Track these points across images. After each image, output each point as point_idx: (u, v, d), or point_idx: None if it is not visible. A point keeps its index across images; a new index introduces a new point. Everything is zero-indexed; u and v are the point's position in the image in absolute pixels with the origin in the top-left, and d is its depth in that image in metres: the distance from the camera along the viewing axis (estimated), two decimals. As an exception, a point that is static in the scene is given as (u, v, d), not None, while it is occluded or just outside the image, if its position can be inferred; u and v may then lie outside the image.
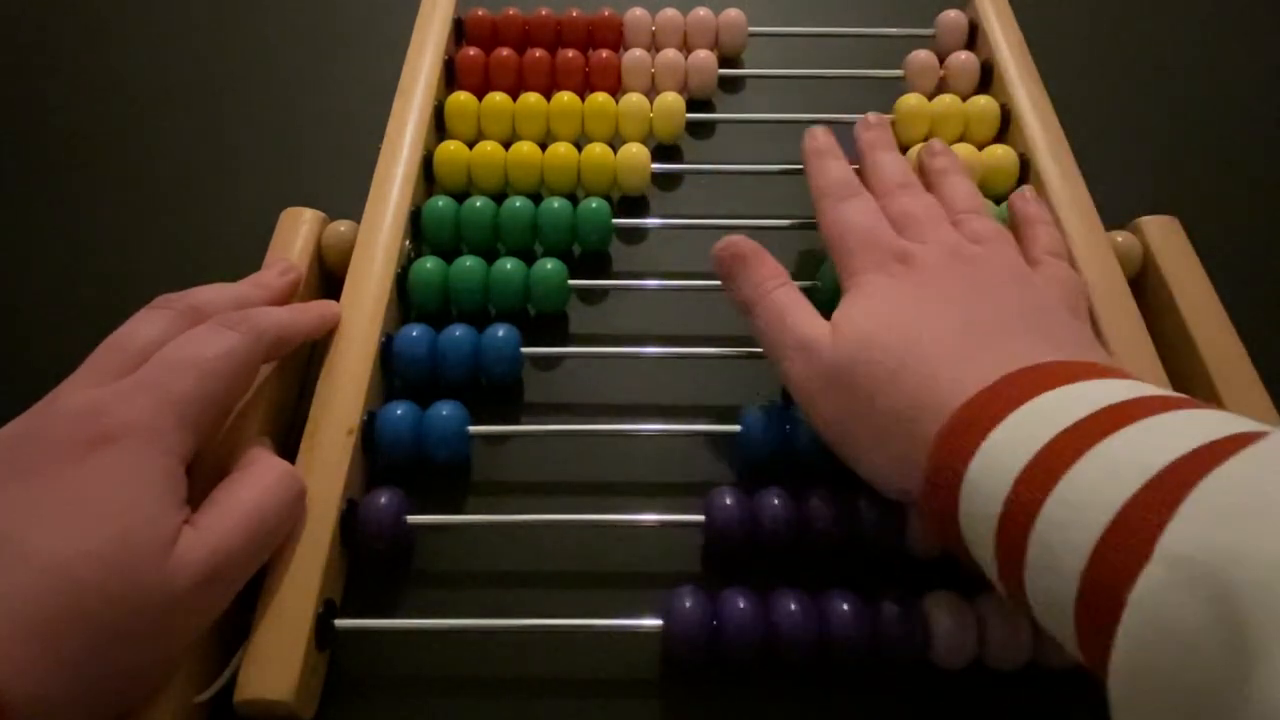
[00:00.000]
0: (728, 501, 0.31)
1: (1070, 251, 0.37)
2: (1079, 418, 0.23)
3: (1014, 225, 0.36)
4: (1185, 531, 0.19)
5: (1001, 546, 0.23)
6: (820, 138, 0.38)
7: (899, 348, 0.28)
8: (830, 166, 0.36)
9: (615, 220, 0.41)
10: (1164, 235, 0.39)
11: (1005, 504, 0.23)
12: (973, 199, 0.36)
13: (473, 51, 0.47)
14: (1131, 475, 0.21)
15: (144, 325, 0.30)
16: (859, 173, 0.37)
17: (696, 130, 0.48)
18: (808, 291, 0.39)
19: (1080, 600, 0.21)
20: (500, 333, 0.36)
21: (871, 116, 0.40)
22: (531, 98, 0.45)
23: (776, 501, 0.31)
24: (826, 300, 0.38)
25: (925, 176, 0.38)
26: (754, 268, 0.33)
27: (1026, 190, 0.38)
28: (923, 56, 0.48)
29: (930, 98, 0.46)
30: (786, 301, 0.32)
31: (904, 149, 0.43)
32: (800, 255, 0.42)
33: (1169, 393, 0.24)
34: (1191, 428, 0.22)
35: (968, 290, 0.30)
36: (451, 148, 0.42)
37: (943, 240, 0.32)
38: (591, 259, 0.42)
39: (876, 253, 0.32)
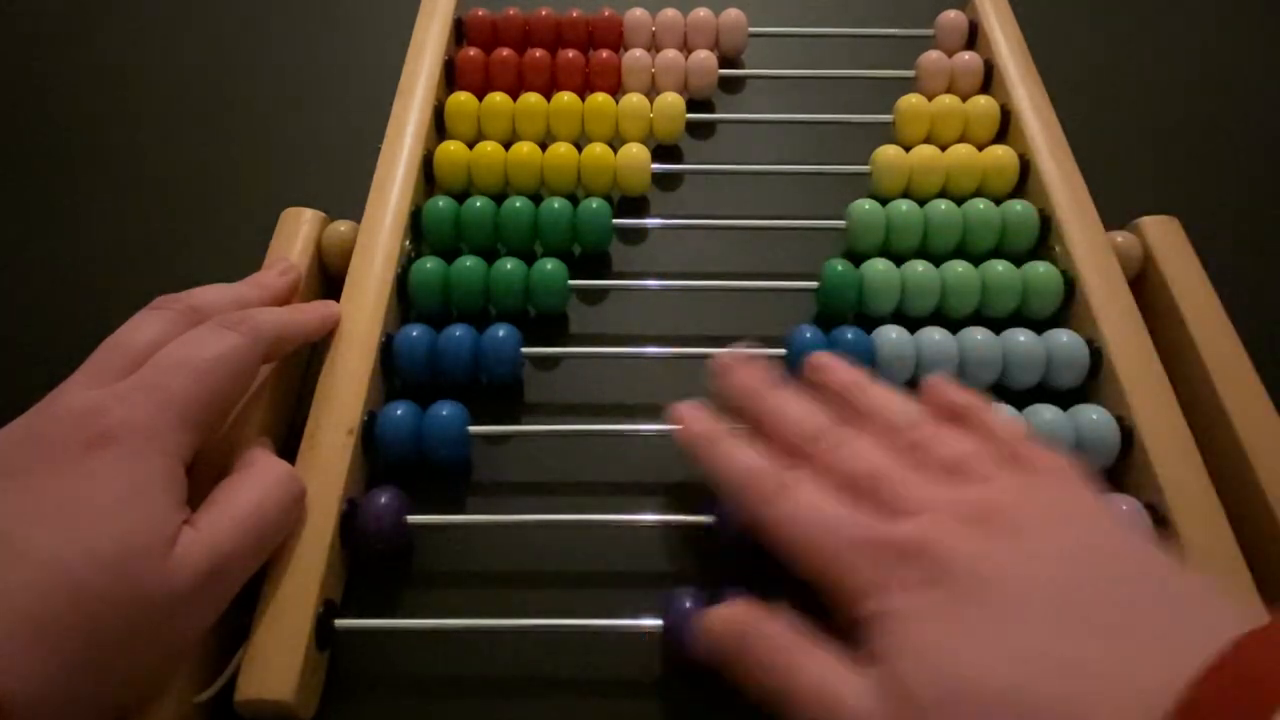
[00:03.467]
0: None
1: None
2: None
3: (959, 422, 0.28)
4: None
5: None
6: (689, 417, 0.30)
7: (1007, 701, 0.20)
8: (731, 453, 0.28)
9: (615, 220, 0.41)
10: (1164, 235, 0.39)
11: None
12: (913, 416, 0.28)
13: (473, 52, 0.47)
14: None
15: (144, 326, 0.30)
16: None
17: (696, 130, 0.48)
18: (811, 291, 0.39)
19: None
20: (500, 333, 0.36)
21: (725, 356, 0.31)
22: (531, 98, 0.45)
23: None
24: (830, 299, 0.38)
25: (839, 409, 0.29)
26: (759, 641, 0.25)
27: (939, 381, 0.30)
28: (934, 57, 0.48)
29: (931, 98, 0.46)
30: (812, 674, 0.24)
31: (906, 149, 0.43)
32: (800, 256, 0.42)
33: None
34: None
35: (1025, 580, 0.22)
36: (451, 148, 0.42)
37: (945, 510, 0.24)
38: (591, 259, 0.42)
39: (876, 564, 0.24)
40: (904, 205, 0.41)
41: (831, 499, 0.26)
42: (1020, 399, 0.35)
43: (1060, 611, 0.22)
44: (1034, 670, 0.21)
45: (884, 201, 0.41)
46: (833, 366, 0.30)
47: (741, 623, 0.26)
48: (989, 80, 0.47)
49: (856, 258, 0.40)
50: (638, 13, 0.49)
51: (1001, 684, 0.21)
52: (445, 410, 0.34)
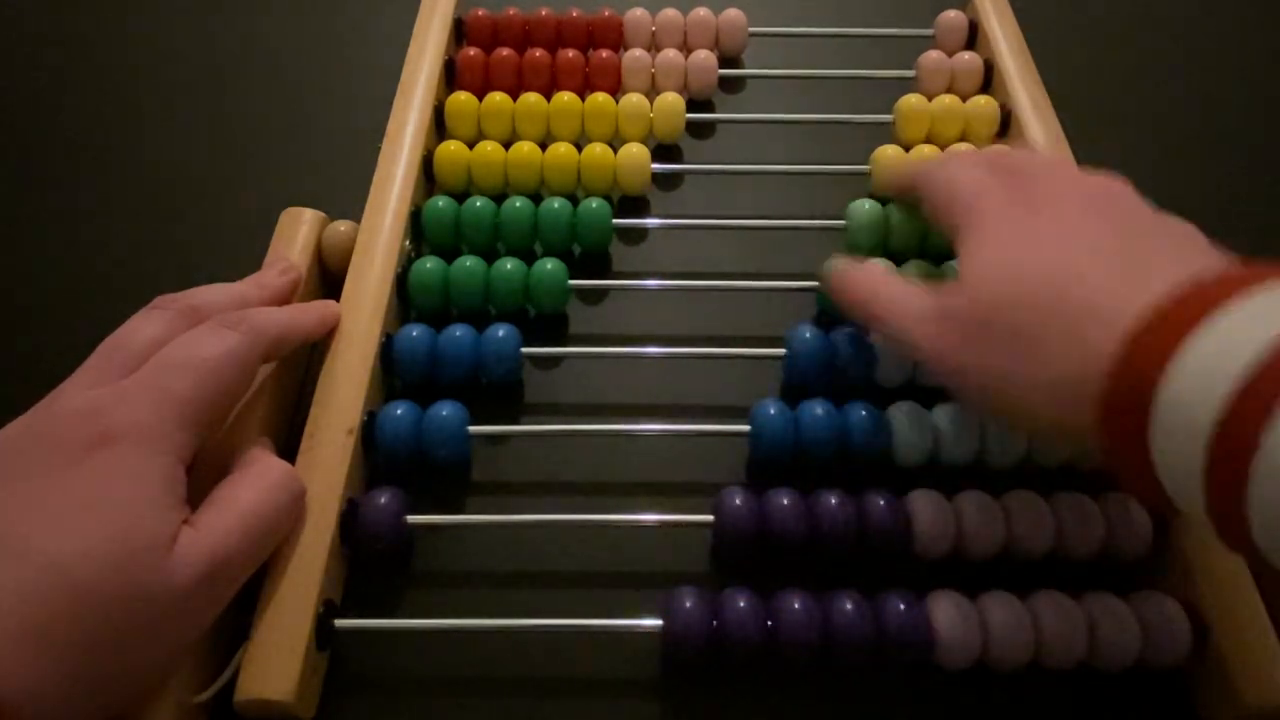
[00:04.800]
0: (738, 502, 0.31)
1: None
2: None
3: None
4: None
5: (1217, 461, 0.21)
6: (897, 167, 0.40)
7: (1045, 275, 0.27)
8: (921, 162, 0.37)
9: (615, 220, 0.41)
10: (1164, 235, 0.39)
11: (1221, 414, 0.21)
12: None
13: (473, 51, 0.47)
14: None
15: (144, 325, 0.30)
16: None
17: (696, 130, 0.48)
18: (811, 290, 0.39)
19: None
20: (500, 333, 0.36)
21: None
22: (531, 98, 0.45)
23: (786, 502, 0.31)
24: (828, 299, 0.38)
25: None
26: (853, 284, 0.34)
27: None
28: (934, 57, 0.48)
29: (931, 98, 0.46)
30: (895, 289, 0.32)
31: (906, 149, 0.43)
32: (800, 256, 0.42)
33: None
34: None
35: (1088, 209, 0.30)
36: (451, 148, 0.42)
37: (1053, 174, 0.32)
38: (591, 259, 0.42)
39: (990, 197, 0.31)
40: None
41: (979, 167, 0.34)
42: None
43: (1097, 232, 0.28)
44: (1070, 259, 0.27)
45: (883, 201, 0.41)
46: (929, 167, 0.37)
47: (849, 271, 0.35)
48: (989, 80, 0.47)
49: (856, 257, 0.40)
50: (638, 13, 0.49)
51: (1029, 270, 0.28)
52: (445, 410, 0.34)
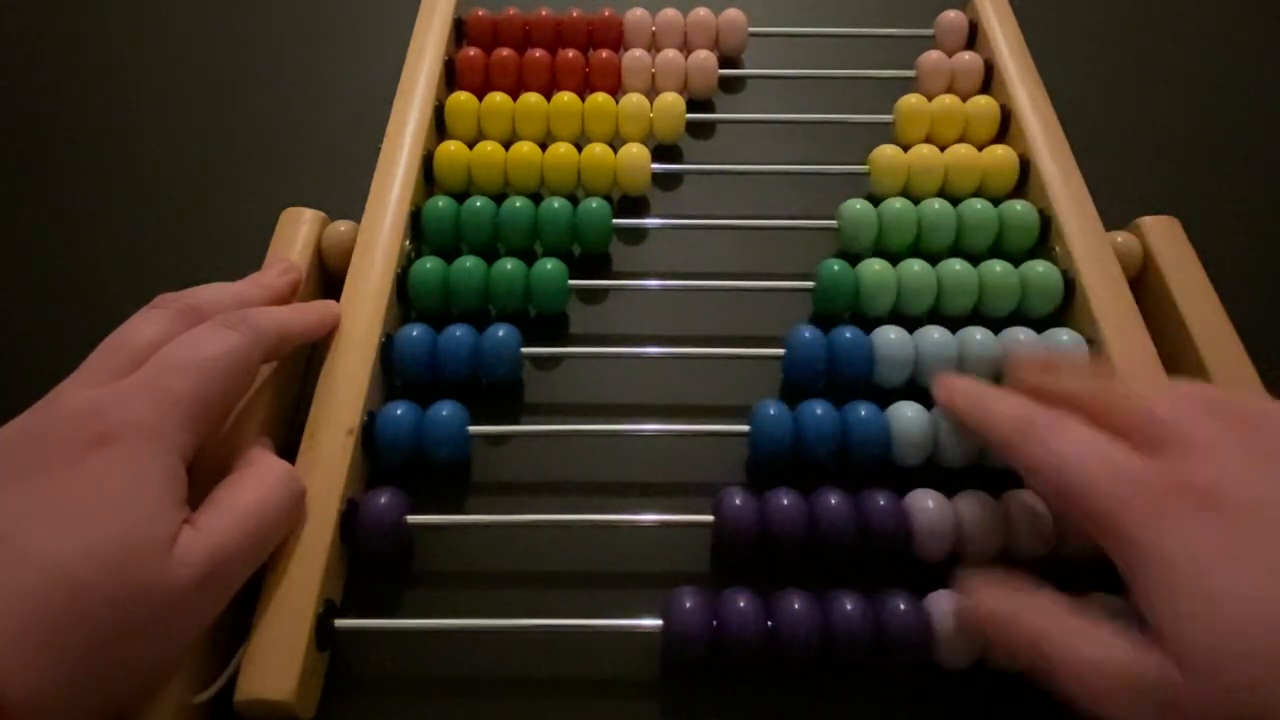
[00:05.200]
0: (738, 502, 0.31)
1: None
2: None
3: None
4: None
5: None
6: (957, 385, 0.31)
7: None
8: (999, 403, 0.29)
9: (615, 220, 0.41)
10: (1164, 235, 0.39)
11: None
12: (1156, 383, 0.29)
13: (473, 52, 0.47)
14: None
15: (144, 325, 0.30)
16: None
17: (696, 130, 0.48)
18: (808, 291, 0.39)
19: None
20: (500, 333, 0.36)
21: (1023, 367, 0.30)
22: (531, 98, 0.45)
23: (786, 502, 0.31)
24: (825, 299, 0.39)
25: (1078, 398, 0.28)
26: (1007, 627, 0.26)
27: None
28: (934, 57, 0.48)
29: (931, 98, 0.46)
30: (1069, 633, 0.24)
31: (906, 149, 0.43)
32: (800, 256, 0.42)
33: None
34: None
35: None
36: (451, 148, 0.42)
37: (1213, 441, 0.23)
38: (591, 259, 0.42)
39: (1147, 498, 0.23)
40: (897, 204, 0.41)
41: (1099, 438, 0.25)
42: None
43: None
44: None
45: (877, 201, 0.41)
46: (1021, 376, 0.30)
47: (1003, 604, 0.26)
48: (989, 80, 0.47)
49: (852, 257, 0.40)
50: (638, 13, 0.49)
51: (1267, 639, 0.20)
52: (445, 410, 0.34)
